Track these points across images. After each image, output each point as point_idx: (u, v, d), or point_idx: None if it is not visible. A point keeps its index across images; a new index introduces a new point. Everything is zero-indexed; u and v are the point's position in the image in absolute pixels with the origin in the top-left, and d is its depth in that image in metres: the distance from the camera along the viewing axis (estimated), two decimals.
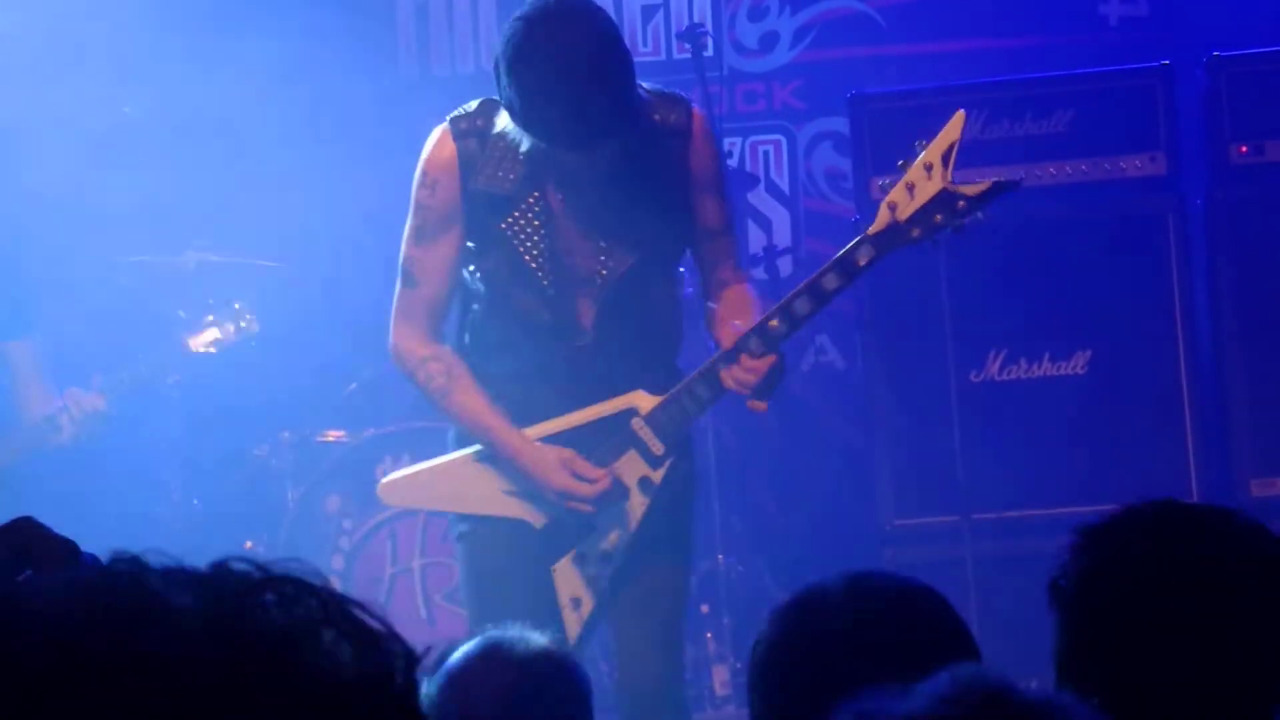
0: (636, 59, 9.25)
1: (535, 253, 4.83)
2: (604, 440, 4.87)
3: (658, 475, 4.85)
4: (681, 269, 5.48)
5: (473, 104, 4.88)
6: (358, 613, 1.15)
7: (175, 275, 7.85)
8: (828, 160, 9.33)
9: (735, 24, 9.47)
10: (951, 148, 4.63)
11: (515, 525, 4.94)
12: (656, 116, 4.85)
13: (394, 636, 1.16)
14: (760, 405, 4.83)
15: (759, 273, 8.57)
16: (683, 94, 5.05)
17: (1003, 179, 4.71)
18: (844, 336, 8.77)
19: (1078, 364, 7.12)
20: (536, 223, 4.82)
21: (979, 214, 4.68)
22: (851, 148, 7.64)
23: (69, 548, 2.68)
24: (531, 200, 4.83)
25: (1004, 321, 7.14)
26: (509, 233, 4.82)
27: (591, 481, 4.82)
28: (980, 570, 6.89)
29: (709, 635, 7.63)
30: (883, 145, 7.33)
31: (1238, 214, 7.15)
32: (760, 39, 9.44)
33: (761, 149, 9.43)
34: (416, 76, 9.45)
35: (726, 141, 8.23)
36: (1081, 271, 7.12)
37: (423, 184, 4.90)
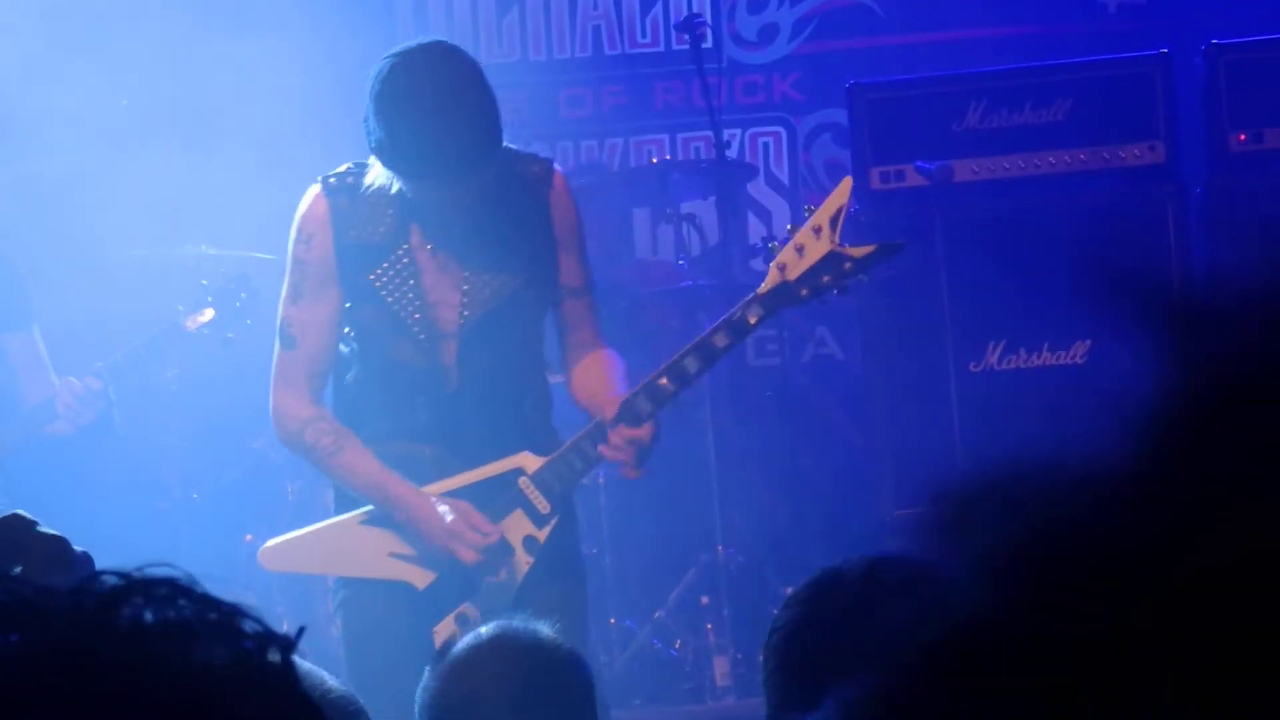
0: (635, 50, 9.43)
1: (404, 301, 4.87)
2: (490, 500, 4.86)
3: (543, 534, 4.85)
4: None
5: (343, 165, 4.98)
6: (230, 608, 1.15)
7: (175, 268, 7.86)
8: (827, 152, 9.32)
9: (734, 16, 9.46)
10: (840, 211, 4.73)
11: (396, 588, 4.90)
12: (519, 168, 4.94)
13: (264, 624, 1.16)
14: (637, 474, 4.84)
15: (758, 264, 8.55)
16: (546, 156, 5.15)
17: (887, 243, 4.78)
18: (843, 328, 8.76)
19: (1077, 354, 7.11)
20: (405, 273, 4.87)
21: (863, 276, 4.75)
22: (850, 138, 7.63)
23: (59, 544, 2.67)
24: (400, 251, 4.88)
25: (1003, 311, 7.13)
26: (378, 284, 4.87)
27: (484, 535, 4.82)
28: None
29: (709, 627, 7.62)
30: (882, 136, 7.34)
31: (1237, 202, 7.13)
32: (759, 31, 9.43)
33: (761, 141, 9.42)
34: None
35: (726, 133, 8.22)
36: (1081, 261, 7.11)
37: (298, 240, 4.96)
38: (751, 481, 8.23)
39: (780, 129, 9.43)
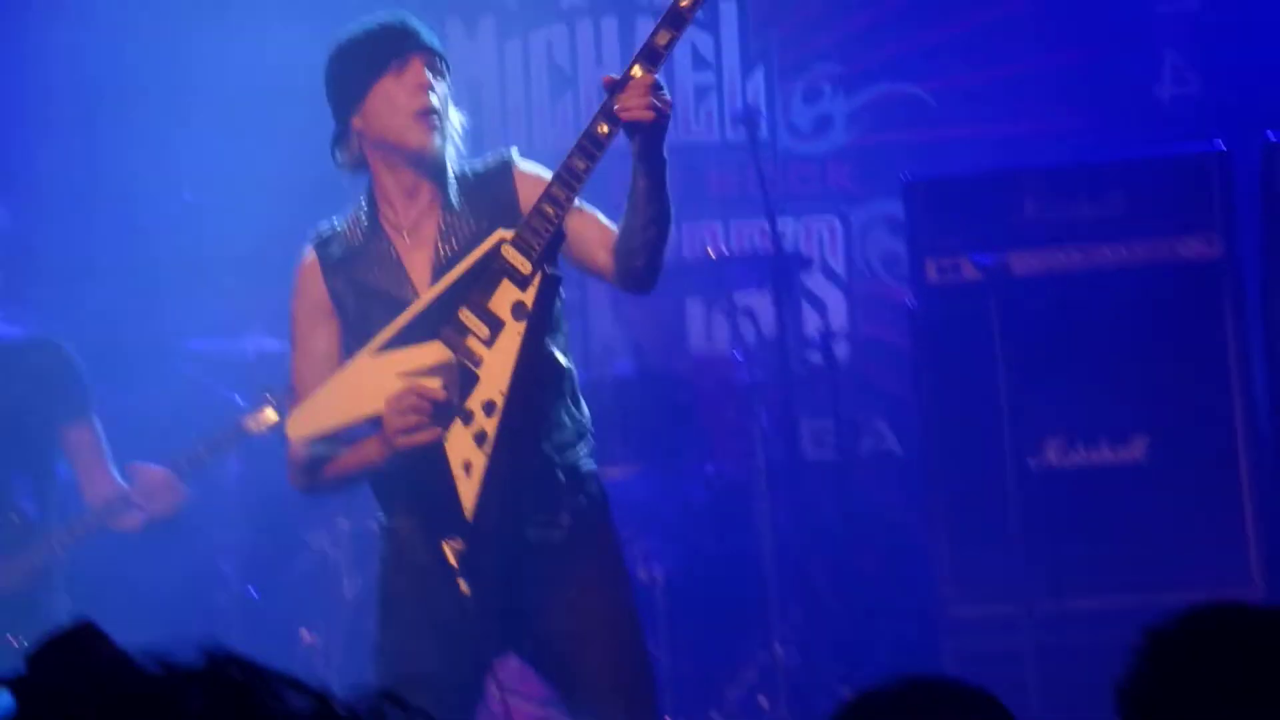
0: (688, 139, 9.44)
1: (393, 282, 5.04)
2: (479, 278, 4.85)
3: (529, 295, 4.81)
4: None
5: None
6: None
7: (234, 362, 7.89)
8: (883, 243, 9.32)
9: (789, 106, 9.49)
10: None
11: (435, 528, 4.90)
12: (481, 173, 5.10)
13: None
14: (647, 145, 4.76)
15: (814, 357, 8.56)
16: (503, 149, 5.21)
17: None
18: (902, 422, 8.74)
19: (1136, 449, 7.07)
20: (385, 253, 5.05)
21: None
22: (906, 231, 7.62)
23: (127, 664, 2.66)
24: (379, 241, 5.07)
25: (1061, 407, 7.10)
26: (365, 276, 5.06)
27: (417, 401, 4.81)
28: (1041, 661, 6.84)
29: None
30: (937, 229, 7.33)
31: None
32: (814, 121, 9.46)
33: (816, 231, 9.43)
34: None
35: (780, 223, 8.21)
36: (1138, 355, 7.08)
37: (293, 295, 5.18)
38: (810, 579, 8.21)
39: (835, 219, 9.44)
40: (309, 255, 5.14)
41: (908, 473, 8.39)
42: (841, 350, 8.71)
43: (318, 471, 5.08)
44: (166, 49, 8.96)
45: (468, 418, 4.79)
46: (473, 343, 4.80)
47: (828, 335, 8.55)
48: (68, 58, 9.00)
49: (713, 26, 9.68)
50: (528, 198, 4.95)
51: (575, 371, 5.12)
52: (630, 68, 4.72)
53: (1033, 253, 7.26)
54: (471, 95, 9.57)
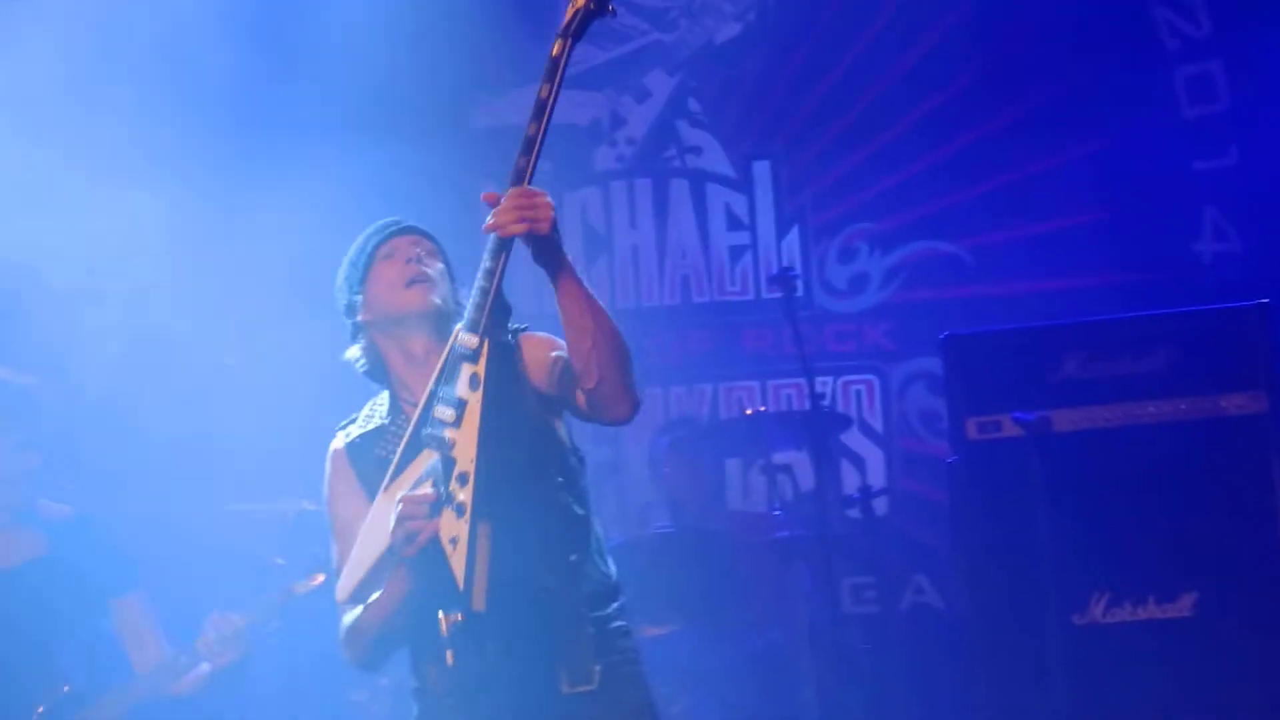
0: (724, 298, 9.50)
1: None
2: (448, 374, 4.90)
3: (480, 366, 4.85)
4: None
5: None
6: None
7: (275, 523, 7.90)
8: (922, 401, 9.34)
9: (825, 265, 9.54)
10: None
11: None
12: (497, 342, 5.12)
13: None
14: (541, 251, 4.77)
15: (854, 512, 8.55)
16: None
17: None
18: (943, 576, 8.72)
19: (1184, 605, 7.02)
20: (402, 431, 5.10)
21: None
22: (945, 389, 7.60)
23: None
24: (399, 419, 5.20)
25: (1106, 563, 7.06)
26: (386, 452, 5.11)
27: (415, 505, 4.85)
28: None
29: None
30: (977, 386, 7.32)
31: None
32: (850, 280, 9.51)
33: (854, 389, 9.45)
34: None
35: (818, 381, 8.23)
36: (1184, 511, 7.05)
37: (325, 481, 5.30)
38: None
39: (873, 377, 9.46)
40: (336, 442, 5.30)
41: (949, 626, 8.34)
42: (881, 507, 8.69)
43: (363, 627, 5.08)
44: (219, 219, 9.06)
45: (450, 498, 4.84)
46: (446, 432, 4.85)
47: (867, 492, 8.54)
48: None
49: (747, 187, 9.77)
50: (531, 356, 5.07)
51: (598, 525, 5.15)
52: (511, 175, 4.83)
53: (1074, 409, 7.24)
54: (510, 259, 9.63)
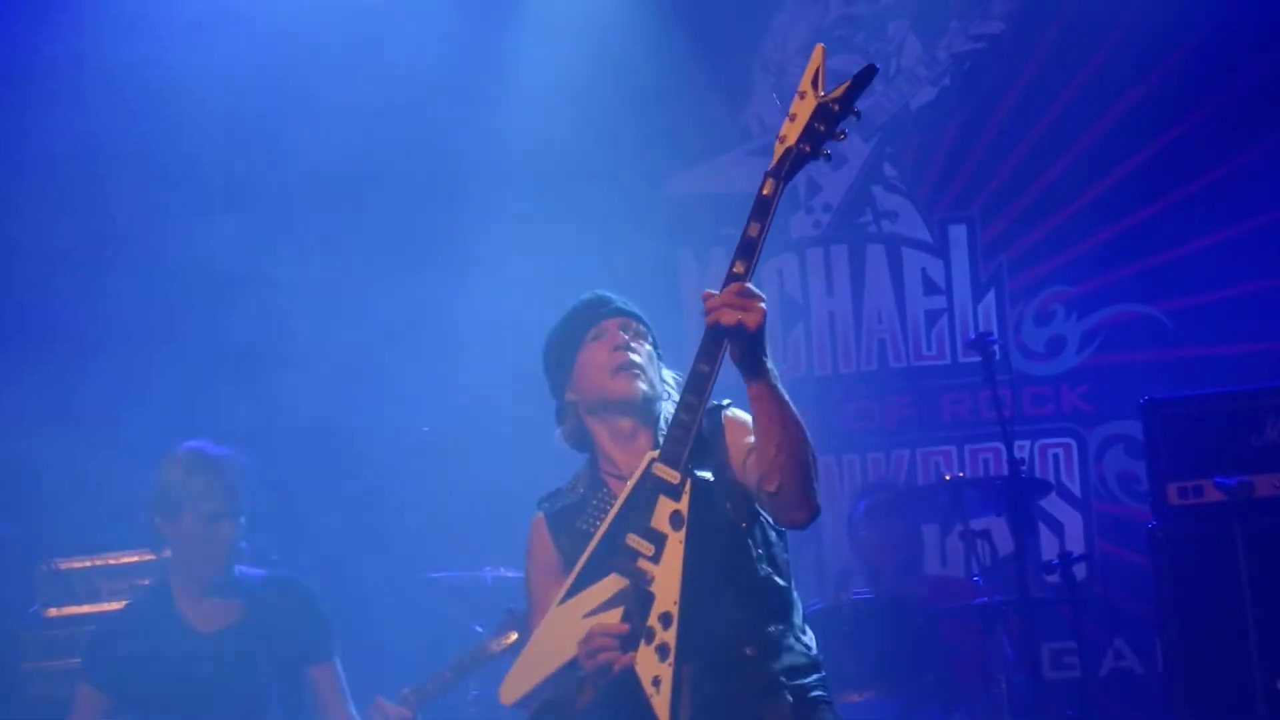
0: (920, 363, 9.50)
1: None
2: (640, 502, 4.95)
3: (683, 504, 4.88)
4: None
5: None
6: None
7: (473, 590, 7.99)
8: (1119, 464, 9.27)
9: (1021, 328, 9.51)
10: (817, 72, 4.76)
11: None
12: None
13: None
14: (739, 346, 4.72)
15: (1054, 578, 8.49)
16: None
17: (859, 72, 4.74)
18: (1143, 641, 8.63)
19: None
20: (605, 506, 5.21)
21: (854, 113, 4.72)
22: (1145, 453, 7.55)
23: None
24: (599, 493, 5.29)
25: None
26: (587, 526, 5.21)
27: (604, 636, 4.91)
28: None
29: None
30: (1178, 451, 7.28)
31: None
32: (1047, 343, 9.47)
33: (1051, 452, 9.40)
34: None
35: (1016, 445, 8.20)
36: None
37: (527, 555, 5.42)
38: None
39: (1070, 440, 9.41)
40: (537, 516, 5.39)
41: (1149, 691, 8.26)
42: (1081, 572, 8.62)
43: None
44: (421, 288, 9.23)
45: (650, 636, 4.88)
46: (642, 564, 4.90)
47: (1066, 557, 8.48)
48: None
49: (943, 251, 9.76)
50: (732, 441, 5.11)
51: (797, 597, 5.17)
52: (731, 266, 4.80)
53: (1276, 474, 7.17)
54: (703, 322, 9.70)
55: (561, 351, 5.39)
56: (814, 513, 4.93)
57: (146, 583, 6.92)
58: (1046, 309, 9.49)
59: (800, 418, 4.84)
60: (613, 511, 5.02)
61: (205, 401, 8.53)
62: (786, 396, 4.83)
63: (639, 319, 5.41)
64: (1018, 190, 9.64)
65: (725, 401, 5.23)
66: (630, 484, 5.00)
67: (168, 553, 6.73)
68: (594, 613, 4.97)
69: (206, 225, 9.01)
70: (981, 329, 9.16)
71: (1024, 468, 8.71)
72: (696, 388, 4.83)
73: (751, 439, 5.00)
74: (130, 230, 9.23)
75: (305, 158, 9.23)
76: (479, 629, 7.50)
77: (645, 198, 9.94)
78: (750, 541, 5.10)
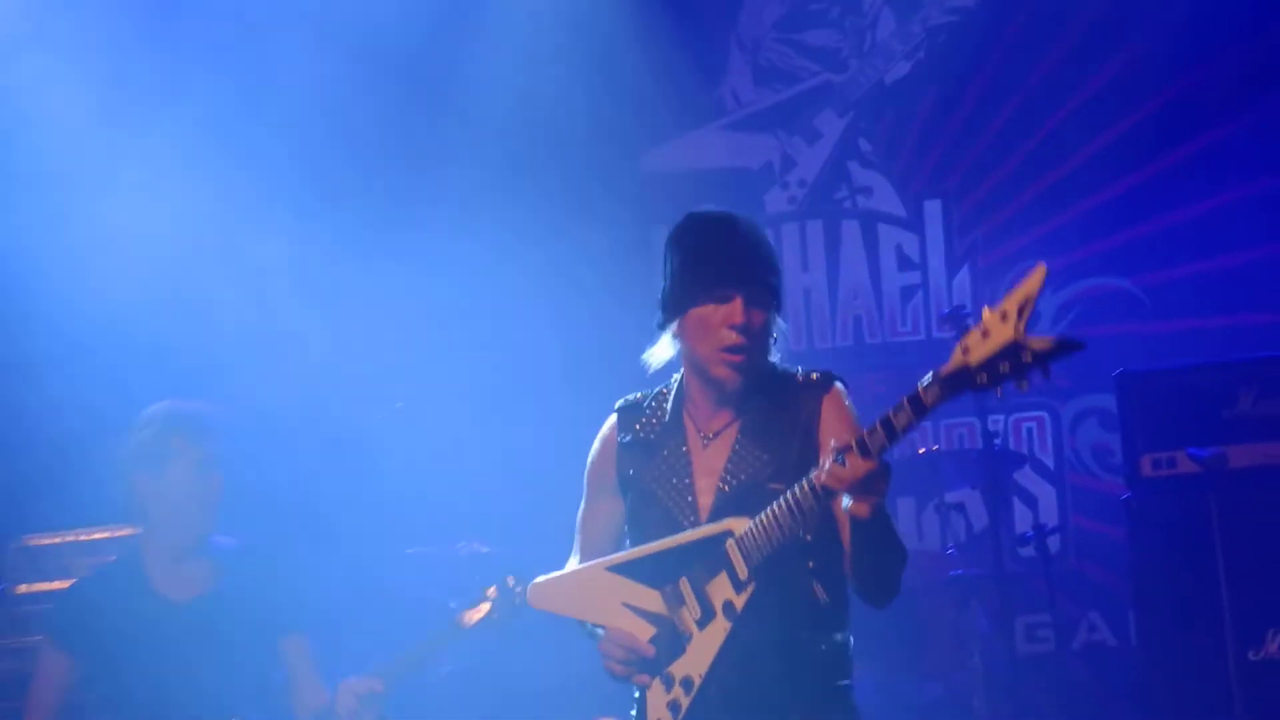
0: (896, 339, 9.49)
1: (677, 496, 5.04)
2: (697, 560, 4.89)
3: (740, 600, 4.83)
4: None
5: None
6: None
7: (448, 565, 7.97)
8: (1094, 437, 9.27)
9: (995, 302, 9.49)
10: (1028, 300, 4.49)
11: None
12: (798, 379, 5.02)
13: None
14: (860, 508, 4.60)
15: (1028, 552, 8.49)
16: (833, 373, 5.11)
17: (1068, 339, 4.52)
18: (1116, 613, 8.64)
19: None
20: (679, 468, 5.06)
21: (1042, 372, 4.51)
22: (1120, 425, 7.56)
23: None
24: (675, 447, 5.10)
25: None
26: (654, 481, 5.09)
27: (625, 650, 4.93)
28: None
29: None
30: (1152, 422, 7.28)
31: None
32: None
33: (1025, 426, 9.41)
34: None
35: (990, 419, 8.20)
36: None
37: (591, 453, 5.27)
38: None
39: (1044, 414, 9.41)
40: (610, 422, 5.24)
41: (1122, 663, 8.27)
42: (1054, 544, 8.64)
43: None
44: (390, 261, 9.20)
45: (669, 683, 4.89)
46: (686, 615, 4.89)
47: (1040, 530, 8.48)
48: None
49: (918, 227, 9.76)
50: (826, 436, 4.89)
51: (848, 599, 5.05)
52: (861, 442, 4.50)
53: (1249, 445, 7.19)
54: None
55: (682, 287, 5.01)
56: (890, 602, 4.91)
57: (114, 559, 6.87)
58: None
59: (898, 536, 4.76)
60: (680, 539, 4.91)
61: (174, 380, 8.47)
62: (892, 523, 4.74)
63: (773, 296, 5.02)
64: (993, 165, 9.64)
65: (830, 375, 5.02)
66: (702, 532, 4.88)
67: (141, 528, 6.68)
68: (632, 609, 4.96)
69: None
70: (956, 304, 9.14)
71: (998, 441, 8.71)
72: (793, 517, 4.69)
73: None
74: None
75: (276, 128, 9.18)
76: (452, 604, 7.46)
77: (619, 173, 9.92)
78: (812, 599, 4.92)
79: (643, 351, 5.17)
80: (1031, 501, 9.23)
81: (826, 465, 4.55)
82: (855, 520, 4.63)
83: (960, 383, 4.41)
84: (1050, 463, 9.37)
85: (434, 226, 9.38)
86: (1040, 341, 4.36)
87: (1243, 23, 9.19)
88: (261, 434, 8.25)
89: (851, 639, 5.00)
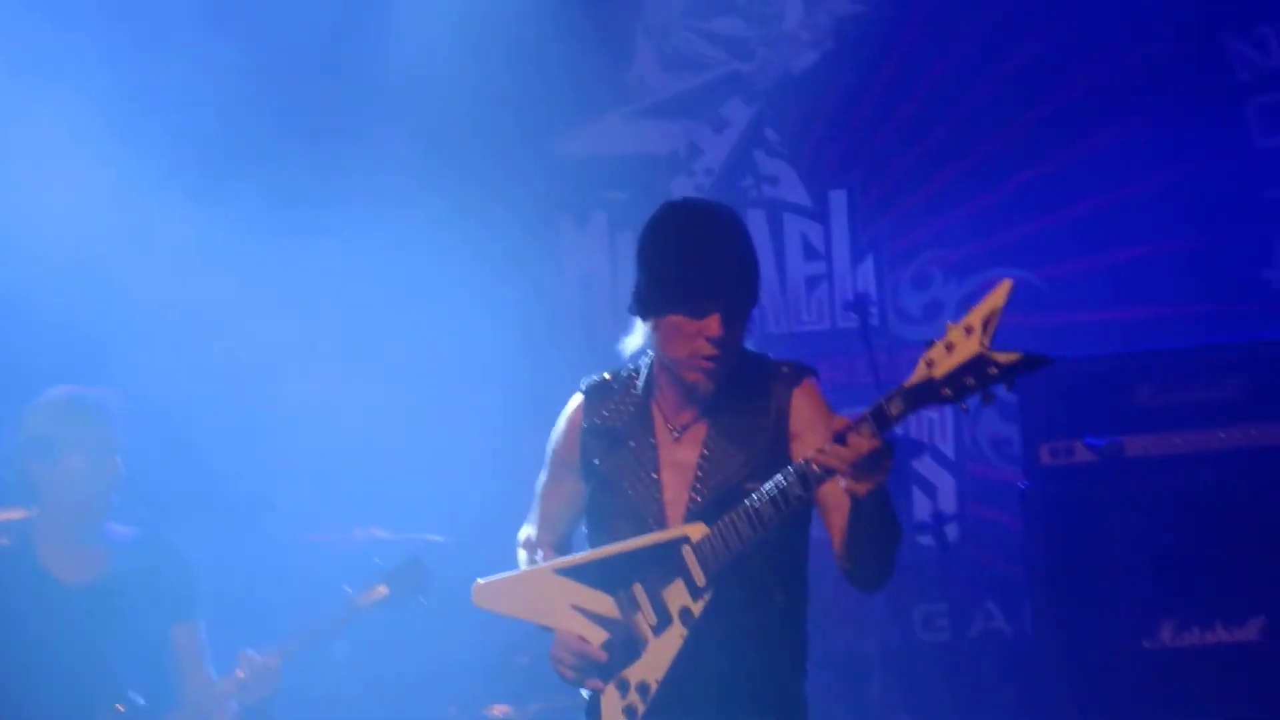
0: (800, 329, 9.51)
1: (641, 490, 5.01)
2: (653, 566, 4.86)
3: (697, 607, 4.81)
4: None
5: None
6: None
7: (346, 551, 7.95)
8: (993, 427, 9.32)
9: (898, 293, 9.55)
10: (993, 314, 4.50)
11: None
12: (770, 369, 5.00)
13: None
14: (858, 487, 4.54)
15: (926, 539, 8.54)
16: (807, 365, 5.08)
17: (1033, 355, 4.53)
18: (1013, 603, 8.69)
19: (1251, 631, 7.01)
20: (645, 463, 5.02)
21: (1007, 385, 4.52)
22: (1019, 415, 7.60)
23: None
24: (641, 439, 5.04)
25: (1176, 588, 7.05)
26: (618, 473, 5.04)
27: (576, 654, 4.92)
28: None
29: None
30: (1051, 412, 7.33)
31: None
32: (924, 307, 9.51)
33: (926, 416, 9.45)
34: None
35: None
36: (1254, 537, 7.03)
37: (555, 430, 5.21)
38: None
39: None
40: (576, 403, 5.18)
41: (1019, 653, 8.32)
42: (953, 532, 8.68)
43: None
44: (292, 246, 9.15)
45: (624, 688, 4.88)
46: (641, 621, 4.86)
47: (938, 518, 8.54)
48: None
49: (823, 217, 9.78)
50: (798, 429, 4.90)
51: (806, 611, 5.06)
52: (860, 425, 4.47)
53: (1146, 435, 7.24)
54: (583, 285, 9.69)
55: (659, 290, 4.89)
56: (881, 588, 4.90)
57: (5, 541, 6.80)
58: (924, 273, 9.53)
59: (896, 515, 4.74)
60: (634, 543, 4.87)
61: (70, 364, 8.39)
62: (892, 507, 4.71)
63: (752, 301, 4.94)
64: (897, 155, 9.67)
65: (803, 367, 5.00)
66: (658, 537, 4.85)
67: (37, 510, 6.62)
68: (583, 612, 4.93)
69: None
70: (860, 292, 9.18)
71: (898, 429, 8.74)
72: (752, 529, 4.66)
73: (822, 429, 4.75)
74: None
75: (174, 109, 9.12)
76: (348, 589, 7.44)
77: (524, 159, 9.91)
78: (770, 602, 4.92)
79: (552, 332, 5.17)
80: (930, 490, 9.28)
81: (827, 447, 4.51)
82: (856, 500, 4.60)
83: (924, 396, 4.43)
84: (950, 451, 9.41)
85: (340, 207, 9.35)
86: (1006, 356, 4.37)
87: (1137, 23, 9.25)
88: (163, 419, 8.21)
89: (809, 635, 5.02)
